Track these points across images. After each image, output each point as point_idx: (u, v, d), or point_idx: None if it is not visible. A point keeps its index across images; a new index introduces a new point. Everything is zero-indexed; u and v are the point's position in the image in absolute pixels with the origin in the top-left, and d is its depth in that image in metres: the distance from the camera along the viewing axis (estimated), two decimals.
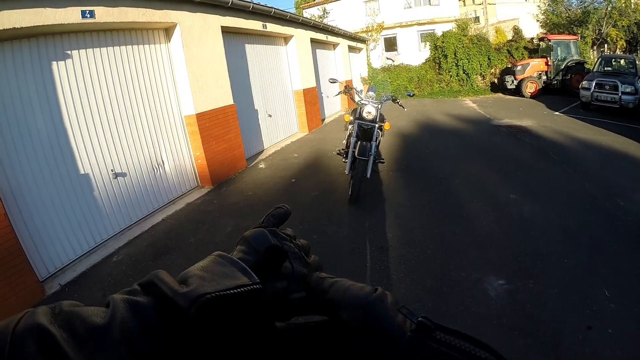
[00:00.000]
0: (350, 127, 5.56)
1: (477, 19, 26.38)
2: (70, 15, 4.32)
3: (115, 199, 5.13)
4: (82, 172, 4.70)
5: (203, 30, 6.66)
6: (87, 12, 4.50)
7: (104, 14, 4.73)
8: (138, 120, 5.60)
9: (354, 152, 5.06)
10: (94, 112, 4.89)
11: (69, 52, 4.64)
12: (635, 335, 2.71)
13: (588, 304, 3.05)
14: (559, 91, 15.85)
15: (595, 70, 13.03)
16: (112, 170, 5.09)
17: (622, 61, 13.16)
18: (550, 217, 4.66)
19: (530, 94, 16.17)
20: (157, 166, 5.90)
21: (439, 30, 20.75)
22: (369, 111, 5.20)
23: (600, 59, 13.57)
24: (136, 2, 5.24)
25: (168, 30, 6.19)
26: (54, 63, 4.46)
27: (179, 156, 6.39)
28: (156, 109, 5.96)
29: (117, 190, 5.17)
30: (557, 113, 12.10)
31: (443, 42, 19.38)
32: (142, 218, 5.54)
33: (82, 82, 4.78)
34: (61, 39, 4.56)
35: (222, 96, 7.05)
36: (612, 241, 4.02)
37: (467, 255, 3.86)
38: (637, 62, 12.68)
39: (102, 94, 5.03)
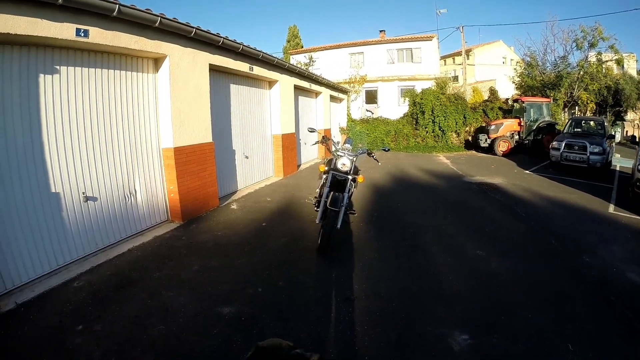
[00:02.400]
0: (324, 176, 5.60)
1: (456, 78, 27.69)
2: (65, 31, 4.37)
3: (83, 222, 4.98)
4: (53, 190, 4.57)
5: (191, 65, 6.77)
6: (82, 30, 4.56)
7: (97, 35, 4.80)
8: (116, 145, 5.55)
9: (326, 201, 5.07)
10: (72, 131, 4.84)
11: (57, 67, 4.64)
12: None
13: (552, 359, 3.05)
14: (530, 150, 16.57)
15: (565, 131, 13.69)
16: (83, 193, 4.97)
17: (591, 123, 13.91)
18: (517, 272, 4.71)
19: (502, 152, 16.81)
20: (129, 194, 5.79)
21: (419, 86, 21.65)
22: (344, 163, 5.27)
23: (570, 121, 14.31)
24: (131, 28, 5.33)
25: (157, 61, 6.27)
26: (42, 75, 4.45)
27: (152, 187, 6.29)
28: (135, 137, 5.93)
29: (86, 214, 5.03)
30: (527, 171, 12.53)
31: (422, 99, 20.14)
32: (109, 245, 5.36)
33: (66, 99, 4.76)
34: (52, 52, 4.57)
35: (201, 133, 7.07)
36: (576, 297, 4.10)
37: (432, 310, 3.82)
38: (606, 123, 13.40)
39: (83, 113, 5.00)
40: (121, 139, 5.66)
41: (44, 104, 4.47)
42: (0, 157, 4.00)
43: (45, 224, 4.47)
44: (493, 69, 29.57)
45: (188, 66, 6.68)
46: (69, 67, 4.81)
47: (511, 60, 31.50)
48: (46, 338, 3.23)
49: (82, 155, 4.99)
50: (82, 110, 5.00)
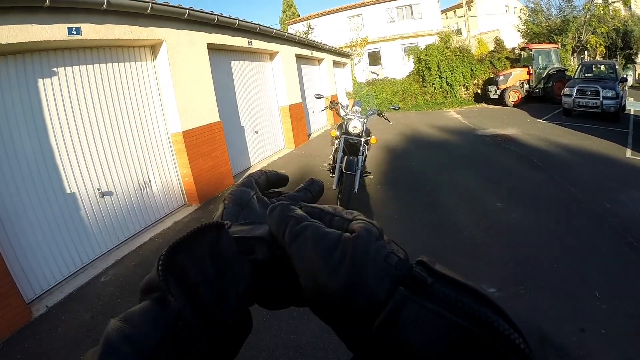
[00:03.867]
0: (336, 142, 5.56)
1: (459, 31, 26.90)
2: (57, 32, 4.31)
3: (102, 218, 5.04)
4: (69, 191, 4.62)
5: (189, 47, 6.67)
6: (74, 29, 4.48)
7: (90, 31, 4.72)
8: (124, 138, 5.55)
9: (340, 166, 5.04)
10: (79, 130, 4.84)
11: (55, 69, 4.60)
12: (628, 333, 2.74)
13: (580, 307, 3.07)
14: (542, 99, 16.17)
15: (576, 77, 13.31)
16: (98, 189, 5.01)
17: (602, 67, 13.46)
18: (538, 223, 4.70)
19: (513, 103, 16.44)
20: (144, 184, 5.83)
21: (422, 43, 21.06)
22: (355, 126, 5.21)
23: (580, 66, 13.87)
24: (123, 19, 5.24)
25: (154, 48, 6.19)
26: (40, 80, 4.42)
27: (166, 174, 6.33)
28: (142, 126, 5.92)
29: (103, 209, 5.08)
30: (540, 120, 12.30)
31: (426, 55, 19.66)
32: (130, 237, 5.44)
33: (68, 100, 4.74)
34: (47, 55, 4.53)
35: (208, 113, 7.04)
36: (600, 243, 4.08)
37: (457, 265, 3.84)
38: (617, 67, 12.97)
39: (88, 111, 4.98)
40: (129, 130, 5.64)
41: (46, 108, 4.45)
42: (12, 167, 4.02)
43: (65, 225, 4.54)
44: (496, 18, 28.59)
45: (186, 48, 6.58)
46: (66, 68, 4.75)
47: (514, 8, 30.35)
48: (80, 336, 3.33)
49: (92, 153, 5.00)
50: (86, 108, 4.97)
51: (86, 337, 3.29)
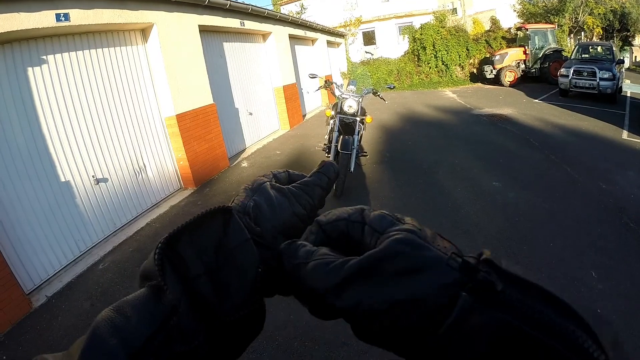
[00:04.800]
0: (331, 121, 5.51)
1: (454, 11, 26.50)
2: (45, 19, 4.17)
3: (97, 205, 4.99)
4: (63, 179, 4.55)
5: (180, 29, 6.52)
6: (62, 15, 4.35)
7: (79, 17, 4.58)
8: (117, 123, 5.45)
9: (336, 146, 5.02)
10: (72, 118, 4.75)
11: (44, 57, 4.47)
12: (625, 313, 2.76)
13: (576, 286, 3.09)
14: (538, 79, 16.09)
15: (573, 57, 13.20)
16: (93, 176, 4.94)
17: (599, 48, 13.35)
18: (535, 202, 4.70)
19: (509, 82, 16.34)
20: (138, 170, 5.76)
21: (417, 22, 20.80)
22: (350, 105, 5.16)
23: (577, 47, 13.77)
24: (111, 2, 5.09)
25: (145, 31, 6.05)
26: (30, 69, 4.30)
27: (161, 158, 6.26)
28: (135, 111, 5.82)
29: (99, 196, 5.03)
30: (536, 101, 12.26)
31: (421, 35, 19.47)
32: (127, 223, 5.40)
33: (59, 87, 4.63)
34: (36, 43, 4.40)
35: (201, 96, 6.94)
36: (596, 223, 4.10)
37: (454, 243, 3.84)
38: (614, 48, 12.89)
39: (79, 98, 4.88)
40: (122, 115, 5.54)
41: (37, 98, 4.34)
42: (4, 157, 3.92)
43: (61, 213, 4.48)
44: None
45: (177, 31, 6.42)
46: (55, 55, 4.62)
47: None
48: (81, 324, 3.32)
49: (86, 140, 4.90)
50: (77, 95, 4.85)
51: (86, 325, 3.14)
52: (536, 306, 0.22)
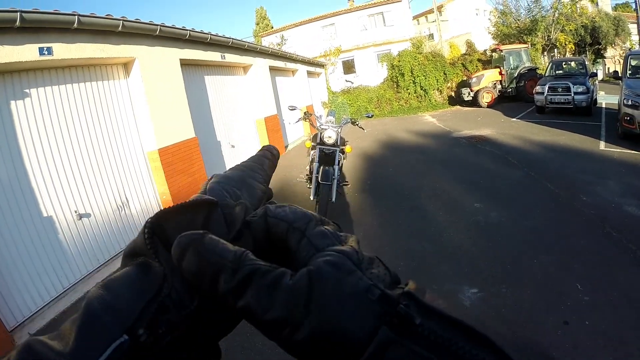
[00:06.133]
0: (312, 152, 5.54)
1: (431, 36, 27.29)
2: (28, 53, 4.22)
3: (80, 241, 4.90)
4: (45, 214, 4.48)
5: (162, 64, 6.60)
6: (45, 49, 4.41)
7: (62, 51, 4.64)
8: (100, 158, 5.42)
9: (317, 177, 5.02)
10: (54, 152, 4.72)
11: (27, 90, 4.49)
12: (612, 322, 2.75)
13: (562, 300, 3.09)
14: (515, 98, 16.50)
15: (547, 74, 13.61)
16: (75, 212, 4.86)
17: (572, 63, 13.79)
18: (517, 220, 4.74)
19: (487, 103, 16.72)
20: (121, 205, 5.69)
21: (395, 50, 21.32)
22: (330, 135, 5.20)
23: (551, 64, 14.20)
24: (94, 37, 5.16)
25: (127, 65, 6.10)
26: (13, 102, 4.31)
27: (144, 193, 6.19)
28: (118, 146, 5.80)
29: (82, 232, 4.94)
30: (514, 119, 12.52)
31: (399, 61, 19.96)
32: (110, 259, 5.29)
33: (42, 121, 4.62)
34: (19, 76, 4.42)
35: (183, 129, 6.94)
36: (579, 236, 4.14)
37: (438, 268, 3.84)
38: (586, 62, 13.32)
39: (62, 132, 4.87)
40: (104, 150, 5.52)
41: (20, 131, 4.33)
42: None
43: (44, 249, 4.39)
44: (467, 22, 29.17)
45: (159, 65, 6.49)
46: (38, 89, 4.64)
47: (484, 10, 31.03)
48: None
49: (68, 175, 4.87)
50: (60, 130, 4.85)
51: None
52: (453, 339, 0.22)
